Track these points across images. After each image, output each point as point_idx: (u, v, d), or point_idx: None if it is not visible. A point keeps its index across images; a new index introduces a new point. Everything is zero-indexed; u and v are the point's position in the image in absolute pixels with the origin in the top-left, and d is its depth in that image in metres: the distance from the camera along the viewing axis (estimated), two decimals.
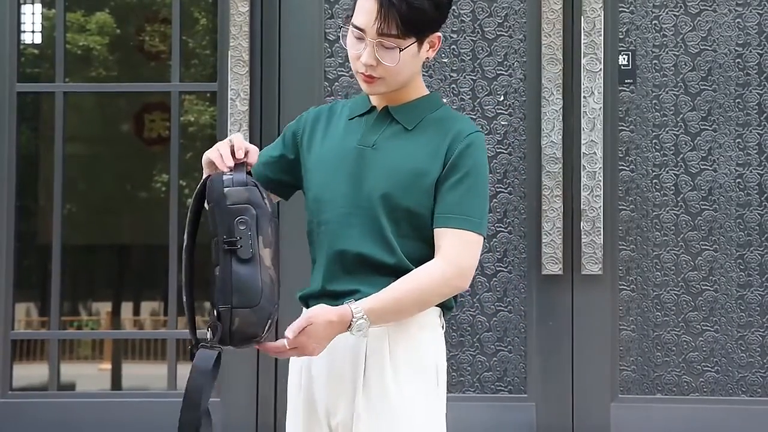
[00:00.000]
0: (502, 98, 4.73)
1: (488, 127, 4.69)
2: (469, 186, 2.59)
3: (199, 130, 8.98)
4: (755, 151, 4.68)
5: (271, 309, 2.48)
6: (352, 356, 2.60)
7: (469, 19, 4.73)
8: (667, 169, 4.70)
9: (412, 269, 2.57)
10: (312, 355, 2.51)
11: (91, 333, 10.15)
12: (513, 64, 4.74)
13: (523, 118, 4.72)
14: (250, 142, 4.70)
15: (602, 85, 4.63)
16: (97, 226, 9.28)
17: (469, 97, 4.70)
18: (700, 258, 4.68)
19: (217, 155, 2.54)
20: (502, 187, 4.70)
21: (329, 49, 4.77)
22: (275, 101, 4.77)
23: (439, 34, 2.64)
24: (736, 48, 4.69)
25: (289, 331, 2.47)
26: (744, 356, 4.66)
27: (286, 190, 2.81)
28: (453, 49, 4.72)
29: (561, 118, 4.64)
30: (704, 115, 4.69)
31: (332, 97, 4.75)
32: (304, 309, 2.66)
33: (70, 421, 4.79)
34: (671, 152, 4.69)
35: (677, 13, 4.71)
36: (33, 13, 7.41)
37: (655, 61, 4.71)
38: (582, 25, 4.64)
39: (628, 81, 4.71)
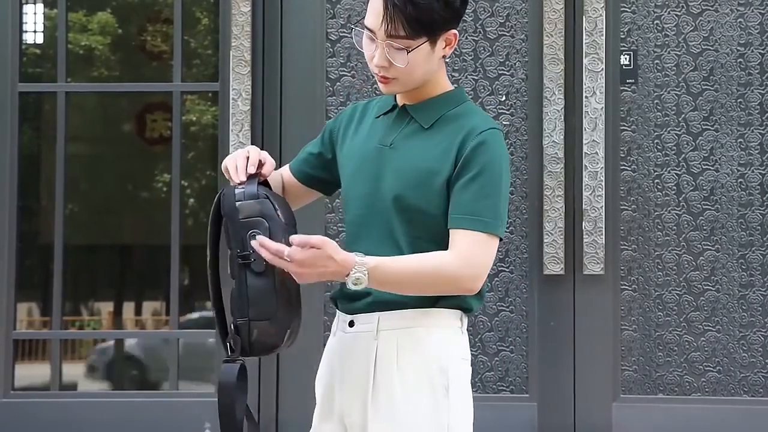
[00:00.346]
0: (503, 98, 4.73)
1: None
2: (482, 185, 2.52)
3: (201, 130, 8.99)
4: (757, 151, 4.68)
5: (290, 319, 2.50)
6: (364, 359, 2.58)
7: (470, 18, 4.73)
8: (668, 169, 4.69)
9: None
10: (296, 276, 2.44)
11: (92, 333, 10.16)
12: (515, 63, 4.73)
13: (525, 118, 4.72)
14: (252, 142, 4.73)
15: (604, 84, 4.63)
16: (99, 226, 9.28)
17: (470, 97, 4.69)
18: (701, 258, 4.68)
19: (233, 167, 2.57)
20: None
21: (331, 49, 4.77)
22: (277, 101, 4.77)
23: (455, 31, 2.59)
24: (738, 48, 4.69)
25: (297, 239, 2.41)
26: (746, 356, 4.66)
27: (327, 186, 2.80)
28: (454, 48, 4.71)
29: (563, 118, 4.64)
30: (706, 115, 4.69)
31: (334, 98, 4.75)
32: (337, 311, 2.67)
33: (71, 421, 4.79)
34: (673, 152, 4.69)
35: (679, 13, 4.71)
36: (35, 13, 7.41)
37: (656, 61, 4.71)
38: (584, 24, 4.64)
39: (630, 81, 4.70)
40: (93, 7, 8.95)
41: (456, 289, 2.54)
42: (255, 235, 2.45)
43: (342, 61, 4.76)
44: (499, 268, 4.68)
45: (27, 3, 6.51)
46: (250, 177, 2.55)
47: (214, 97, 6.47)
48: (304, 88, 4.76)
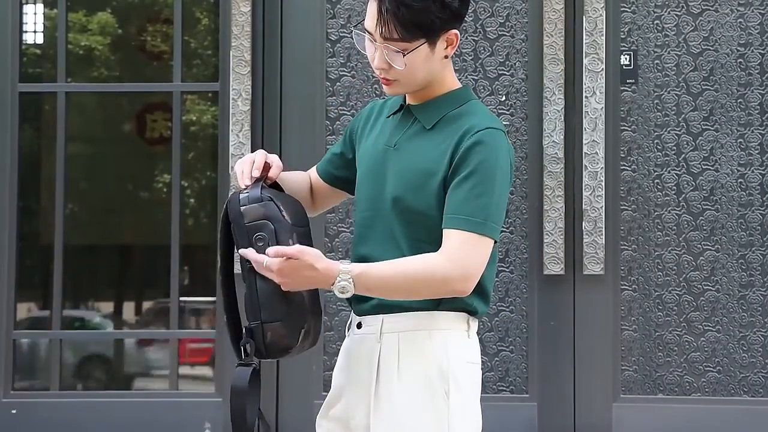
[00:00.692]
0: (503, 98, 4.73)
1: None
2: (474, 185, 2.48)
3: (201, 130, 8.98)
4: (757, 151, 4.68)
5: (303, 318, 2.50)
6: (367, 362, 2.58)
7: (470, 18, 4.73)
8: (668, 169, 4.69)
9: None
10: (282, 285, 2.45)
11: (93, 333, 10.15)
12: (515, 64, 4.74)
13: (525, 118, 4.72)
14: (252, 142, 4.73)
15: (604, 84, 4.63)
16: (99, 226, 9.28)
17: None
18: (701, 258, 4.68)
19: (239, 171, 2.58)
20: None
21: (331, 49, 4.77)
22: (277, 101, 4.77)
23: (455, 31, 2.55)
24: (738, 48, 4.69)
25: (272, 251, 2.43)
26: (746, 356, 4.66)
27: (351, 186, 2.77)
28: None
29: (563, 118, 4.64)
30: (706, 115, 4.69)
31: (334, 98, 4.75)
32: (352, 312, 2.67)
33: (72, 421, 4.79)
34: (673, 152, 4.69)
35: (679, 13, 4.71)
36: (35, 13, 7.41)
37: (656, 61, 4.71)
38: (584, 25, 4.64)
39: (630, 81, 4.70)
40: (93, 7, 8.93)
41: (446, 290, 2.51)
42: (261, 238, 2.46)
43: (342, 61, 4.76)
44: (499, 268, 4.68)
45: (27, 3, 6.51)
46: (256, 181, 2.56)
47: (214, 97, 6.47)
48: (304, 88, 4.76)
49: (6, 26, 4.89)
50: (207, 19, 8.39)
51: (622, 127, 4.70)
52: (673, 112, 4.70)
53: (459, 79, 2.68)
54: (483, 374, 4.64)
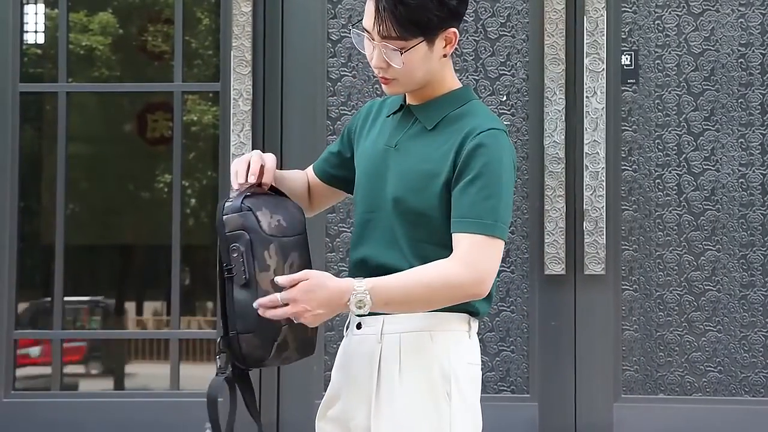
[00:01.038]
0: (504, 98, 4.73)
1: None
2: (481, 187, 2.47)
3: (202, 130, 8.98)
4: (758, 151, 4.67)
5: (275, 331, 2.47)
6: (368, 363, 2.57)
7: (471, 18, 4.73)
8: (669, 169, 4.69)
9: None
10: (303, 318, 2.41)
11: (93, 333, 10.15)
12: (516, 64, 4.73)
13: (526, 118, 4.72)
14: (252, 142, 4.72)
15: (605, 85, 4.63)
16: (100, 226, 9.28)
17: None
18: (702, 258, 4.67)
19: (234, 172, 2.58)
20: None
21: (332, 49, 4.77)
22: (278, 101, 4.77)
23: (454, 29, 2.55)
24: (739, 48, 4.69)
25: (281, 278, 2.41)
26: (747, 356, 4.66)
27: (349, 185, 2.76)
28: (455, 48, 4.70)
29: (564, 118, 4.64)
30: (707, 115, 4.69)
31: (335, 98, 4.75)
32: (351, 313, 2.64)
33: (72, 421, 4.79)
34: (674, 152, 4.69)
35: (680, 13, 4.71)
36: (36, 13, 7.40)
37: (657, 61, 4.71)
38: (585, 25, 4.64)
39: (631, 81, 4.70)
40: (94, 8, 8.93)
41: (464, 295, 2.49)
42: (235, 249, 2.46)
43: (343, 61, 4.76)
44: (501, 268, 4.64)
45: (28, 3, 6.51)
46: (250, 187, 2.55)
47: (215, 97, 6.47)
48: (305, 88, 4.76)
49: (7, 26, 4.89)
50: (208, 19, 8.39)
51: (623, 127, 4.70)
52: (674, 112, 4.70)
53: (460, 80, 2.68)
54: (484, 374, 4.66)
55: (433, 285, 2.46)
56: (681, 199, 4.69)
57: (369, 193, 2.61)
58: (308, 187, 2.81)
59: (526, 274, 4.69)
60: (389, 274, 2.48)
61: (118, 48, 8.97)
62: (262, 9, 4.77)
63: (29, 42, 7.52)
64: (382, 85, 2.60)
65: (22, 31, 5.03)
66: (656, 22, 4.71)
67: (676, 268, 4.68)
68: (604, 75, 4.63)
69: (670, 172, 4.69)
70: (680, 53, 4.71)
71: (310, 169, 2.83)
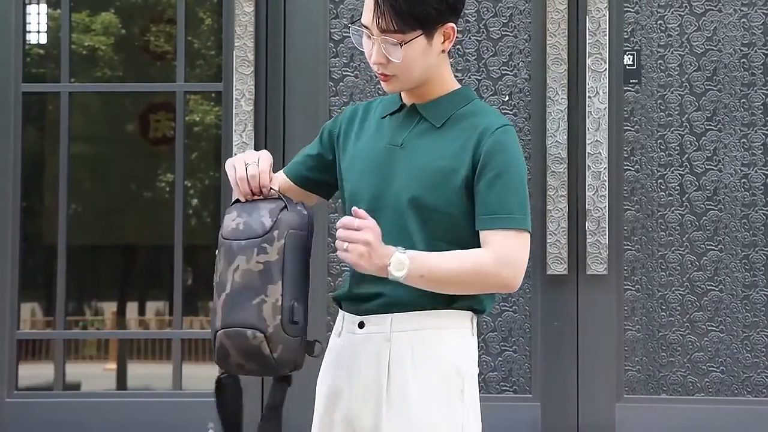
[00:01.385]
0: (506, 98, 4.73)
1: None
2: (506, 182, 2.52)
3: (204, 130, 8.99)
4: (760, 151, 4.67)
5: (213, 339, 2.49)
6: (375, 362, 2.56)
7: (473, 19, 4.73)
8: (672, 169, 4.69)
9: None
10: (351, 257, 2.43)
11: (96, 333, 10.15)
12: (518, 64, 4.73)
13: (528, 118, 4.72)
14: (255, 142, 4.73)
15: (607, 85, 4.63)
16: (102, 226, 9.29)
17: None
18: (705, 258, 4.67)
19: (235, 180, 2.56)
20: None
21: (334, 49, 4.77)
22: (280, 101, 4.77)
23: (452, 24, 2.56)
24: (741, 48, 4.69)
25: (356, 210, 2.45)
26: (749, 356, 4.65)
27: (327, 189, 2.77)
28: (458, 48, 4.72)
29: (566, 118, 4.64)
30: (709, 115, 4.69)
31: (337, 98, 4.75)
32: (340, 311, 2.65)
33: (75, 421, 4.79)
34: (676, 152, 4.69)
35: (682, 13, 4.71)
36: (38, 14, 7.41)
37: (660, 61, 4.71)
38: (587, 25, 4.64)
39: (633, 81, 4.70)
40: (96, 8, 8.94)
41: (497, 287, 2.54)
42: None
43: (345, 61, 4.76)
44: None
45: (30, 3, 6.52)
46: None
47: (217, 98, 6.48)
48: (308, 88, 4.76)
49: (9, 26, 4.89)
50: (210, 19, 8.39)
51: (626, 127, 4.70)
52: (676, 112, 4.70)
53: (462, 80, 2.69)
54: (486, 374, 4.67)
55: (470, 271, 2.50)
56: (683, 199, 4.69)
57: (375, 193, 2.60)
58: None
59: (528, 274, 4.67)
60: None
61: (121, 48, 8.98)
62: (265, 9, 4.77)
63: (32, 42, 7.53)
64: (381, 83, 2.61)
65: (24, 31, 5.03)
66: (658, 22, 4.71)
67: (678, 268, 4.68)
68: (607, 75, 4.63)
69: (672, 172, 4.69)
70: (683, 53, 4.71)
71: (280, 175, 2.77)
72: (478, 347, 4.59)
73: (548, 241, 4.61)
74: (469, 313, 2.60)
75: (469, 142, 2.55)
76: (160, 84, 8.15)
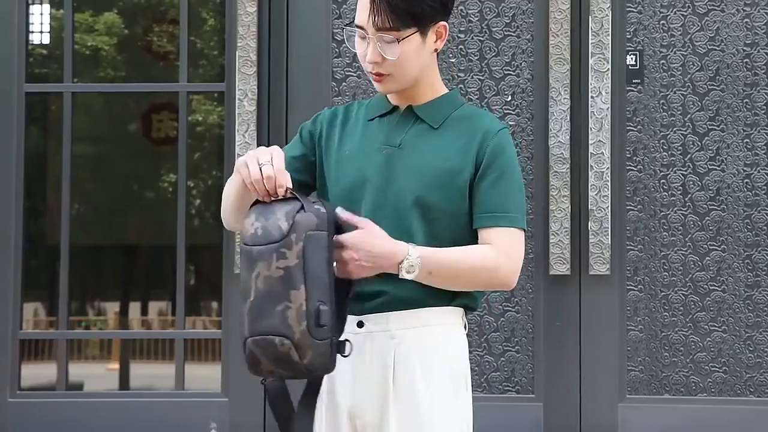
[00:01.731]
0: (509, 98, 4.73)
1: None
2: (508, 183, 2.59)
3: (207, 130, 9.00)
4: (763, 152, 4.67)
5: (246, 345, 2.44)
6: (380, 361, 2.57)
7: (476, 19, 4.73)
8: (674, 169, 4.69)
9: None
10: (351, 267, 2.44)
11: (99, 333, 10.18)
12: (520, 64, 4.74)
13: (531, 118, 4.72)
14: (257, 143, 4.73)
15: (610, 85, 4.63)
16: (105, 226, 9.30)
17: (476, 97, 4.70)
18: (707, 258, 4.67)
19: (260, 183, 2.44)
20: None
21: (337, 50, 4.78)
22: (283, 101, 4.77)
23: (444, 23, 2.61)
24: (744, 48, 4.69)
25: (342, 212, 2.45)
26: (752, 356, 4.65)
27: (306, 190, 2.72)
28: (461, 49, 4.72)
29: (569, 118, 4.64)
30: (712, 115, 4.69)
31: (339, 98, 4.75)
32: None
33: (78, 421, 4.79)
34: (679, 152, 4.69)
35: (685, 13, 4.71)
36: (41, 14, 7.43)
37: (662, 61, 4.71)
38: (590, 24, 4.64)
39: (636, 81, 4.70)
40: (99, 8, 8.95)
41: (498, 283, 2.59)
42: None
43: (348, 62, 4.76)
44: None
45: (33, 3, 6.53)
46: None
47: (220, 98, 6.48)
48: (310, 89, 4.76)
49: (12, 26, 4.89)
50: (213, 20, 8.40)
51: (628, 128, 4.70)
52: (679, 112, 4.70)
53: (464, 80, 2.72)
54: (489, 374, 4.66)
55: (477, 267, 2.56)
56: (686, 199, 4.68)
57: (373, 194, 2.60)
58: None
59: (531, 274, 4.69)
60: None
61: (124, 48, 8.99)
62: (267, 9, 4.78)
63: (35, 42, 7.54)
64: (375, 83, 2.62)
65: (27, 32, 5.03)
66: (661, 22, 4.71)
67: (681, 268, 4.67)
68: (609, 75, 4.63)
69: (675, 173, 4.69)
70: (685, 53, 4.70)
71: None
72: (481, 347, 4.61)
73: (551, 241, 4.61)
74: (461, 309, 2.64)
75: (471, 143, 2.59)
76: (162, 84, 8.16)
